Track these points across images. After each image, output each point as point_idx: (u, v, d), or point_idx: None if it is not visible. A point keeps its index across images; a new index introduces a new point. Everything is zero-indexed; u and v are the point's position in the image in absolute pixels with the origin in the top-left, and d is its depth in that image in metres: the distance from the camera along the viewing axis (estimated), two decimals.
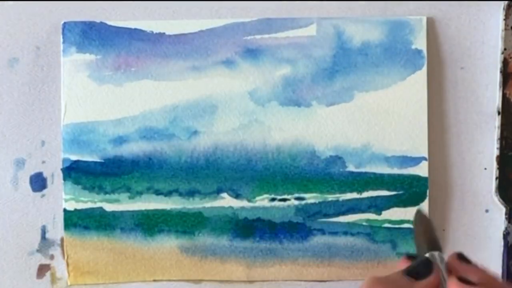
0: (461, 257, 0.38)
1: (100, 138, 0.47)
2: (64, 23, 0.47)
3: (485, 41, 0.48)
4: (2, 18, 0.48)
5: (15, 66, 0.48)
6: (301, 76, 0.47)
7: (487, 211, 0.48)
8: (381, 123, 0.47)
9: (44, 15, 0.48)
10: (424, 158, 0.47)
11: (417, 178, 0.47)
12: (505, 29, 0.47)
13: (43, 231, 0.48)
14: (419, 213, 0.41)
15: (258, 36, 0.47)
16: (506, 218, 0.48)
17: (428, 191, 0.47)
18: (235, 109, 0.47)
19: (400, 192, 0.47)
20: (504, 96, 0.48)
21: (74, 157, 0.47)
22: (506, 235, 0.48)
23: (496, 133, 0.48)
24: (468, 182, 0.48)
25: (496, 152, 0.48)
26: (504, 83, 0.48)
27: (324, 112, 0.47)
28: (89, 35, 0.47)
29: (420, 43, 0.47)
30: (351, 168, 0.47)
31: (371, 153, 0.47)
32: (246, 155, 0.47)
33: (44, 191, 0.48)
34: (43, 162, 0.48)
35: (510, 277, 0.48)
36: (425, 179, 0.47)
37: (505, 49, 0.48)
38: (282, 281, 0.48)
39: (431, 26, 0.48)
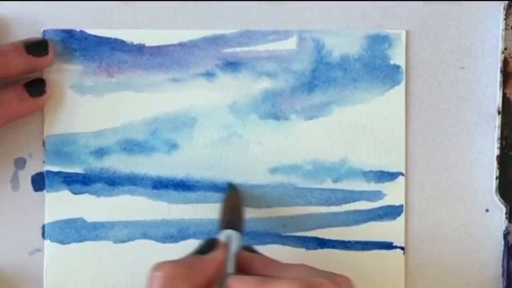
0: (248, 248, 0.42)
1: (81, 150, 0.47)
2: (44, 30, 0.47)
3: (485, 41, 0.48)
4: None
5: None
6: (280, 89, 0.47)
7: (487, 210, 0.49)
8: (359, 137, 0.47)
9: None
10: (401, 173, 0.48)
11: (393, 193, 0.48)
12: (505, 28, 0.47)
13: (44, 231, 0.48)
14: (231, 188, 0.44)
15: (238, 49, 0.47)
16: (506, 218, 0.48)
17: (404, 206, 0.48)
18: (214, 122, 0.47)
19: (377, 207, 0.48)
20: (504, 95, 0.48)
21: (56, 169, 0.47)
22: (506, 235, 0.48)
23: (496, 132, 0.48)
24: (468, 182, 0.49)
25: (496, 151, 0.48)
26: (504, 83, 0.48)
27: (303, 126, 0.47)
28: (70, 44, 0.47)
29: (398, 58, 0.47)
30: (328, 183, 0.48)
31: (349, 167, 0.48)
32: (225, 168, 0.48)
33: (45, 191, 0.48)
34: (44, 161, 0.48)
35: (510, 277, 0.48)
36: (401, 193, 0.48)
37: (505, 48, 0.48)
38: None
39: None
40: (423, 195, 0.48)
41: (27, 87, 0.45)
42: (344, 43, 0.47)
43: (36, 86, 0.46)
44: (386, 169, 0.47)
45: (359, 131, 0.47)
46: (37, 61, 0.45)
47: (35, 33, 0.47)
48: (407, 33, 0.47)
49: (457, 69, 0.48)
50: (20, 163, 0.48)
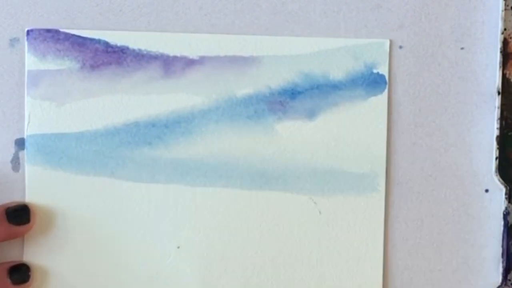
0: None
1: (64, 151, 0.47)
2: (28, 30, 0.47)
3: (485, 21, 0.48)
4: None
5: (15, 46, 0.48)
6: (262, 95, 0.47)
7: (487, 191, 0.49)
8: (340, 145, 0.47)
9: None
10: (381, 179, 0.48)
11: (373, 201, 0.48)
12: (505, 9, 0.47)
13: None
14: None
15: (221, 54, 0.47)
16: (506, 198, 0.48)
17: (384, 212, 0.48)
18: (197, 126, 0.47)
19: (356, 216, 0.48)
20: (504, 76, 0.48)
21: (37, 169, 0.48)
22: (506, 215, 0.48)
23: (496, 113, 0.48)
24: (468, 162, 0.49)
25: (496, 132, 0.48)
26: (504, 63, 0.48)
27: (285, 133, 0.47)
28: (53, 45, 0.47)
29: (382, 67, 0.47)
30: (310, 189, 0.48)
31: (330, 174, 0.48)
32: (208, 174, 0.48)
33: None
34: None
35: (510, 257, 0.48)
36: (381, 200, 0.48)
37: (505, 29, 0.47)
38: None
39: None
40: (422, 175, 0.49)
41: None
42: (327, 49, 0.47)
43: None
44: (366, 176, 0.47)
45: (341, 138, 0.47)
46: (18, 230, 0.45)
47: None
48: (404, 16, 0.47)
49: (457, 49, 0.48)
50: (20, 143, 0.48)
